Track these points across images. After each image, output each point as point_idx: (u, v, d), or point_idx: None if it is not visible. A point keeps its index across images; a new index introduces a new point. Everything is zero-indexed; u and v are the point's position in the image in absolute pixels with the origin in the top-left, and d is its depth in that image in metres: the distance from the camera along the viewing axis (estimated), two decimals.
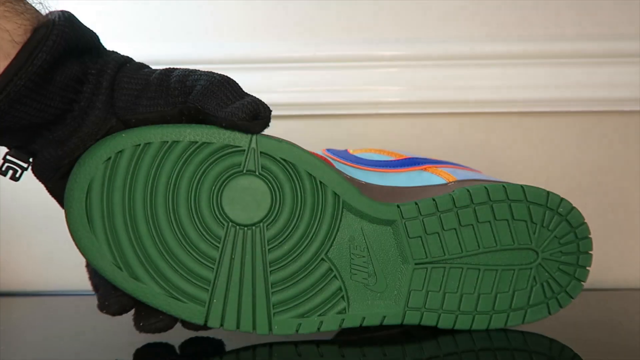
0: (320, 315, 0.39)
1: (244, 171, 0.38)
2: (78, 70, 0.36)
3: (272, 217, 0.38)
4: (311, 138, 0.57)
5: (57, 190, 0.38)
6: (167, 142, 0.37)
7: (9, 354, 0.38)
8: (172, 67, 0.38)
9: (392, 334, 0.41)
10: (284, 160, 0.38)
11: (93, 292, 0.39)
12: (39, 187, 0.38)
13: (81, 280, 0.54)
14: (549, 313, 0.41)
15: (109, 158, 0.37)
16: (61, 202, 0.38)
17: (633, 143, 0.58)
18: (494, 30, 0.58)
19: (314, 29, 0.58)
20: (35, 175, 0.37)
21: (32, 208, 0.57)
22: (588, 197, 0.58)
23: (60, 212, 0.37)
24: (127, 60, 0.39)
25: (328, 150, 0.44)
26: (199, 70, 0.38)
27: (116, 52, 0.39)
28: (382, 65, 0.58)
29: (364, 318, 0.39)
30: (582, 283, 0.41)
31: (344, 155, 0.44)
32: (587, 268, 0.41)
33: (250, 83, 0.55)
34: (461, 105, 0.58)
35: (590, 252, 0.41)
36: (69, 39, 0.35)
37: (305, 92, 0.57)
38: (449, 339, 0.40)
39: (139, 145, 0.37)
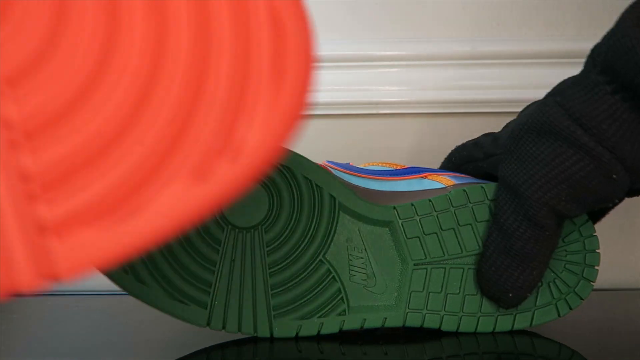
0: (320, 317, 0.39)
1: None
2: None
3: (270, 220, 0.39)
4: (311, 138, 0.56)
5: None
6: None
7: (9, 354, 0.38)
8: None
9: (394, 333, 0.41)
10: (281, 164, 0.39)
11: (93, 293, 0.40)
12: None
13: (81, 280, 0.54)
14: (559, 315, 0.40)
15: None
16: None
17: None
18: (494, 30, 0.58)
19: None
20: None
21: None
22: None
23: None
24: None
25: (329, 161, 0.44)
26: None
27: None
28: (382, 65, 0.58)
29: (364, 320, 0.39)
30: (592, 283, 0.40)
31: (345, 165, 0.44)
32: (596, 267, 0.40)
33: None
34: (462, 105, 0.58)
35: (597, 250, 0.40)
36: None
37: None
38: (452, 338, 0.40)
39: None
